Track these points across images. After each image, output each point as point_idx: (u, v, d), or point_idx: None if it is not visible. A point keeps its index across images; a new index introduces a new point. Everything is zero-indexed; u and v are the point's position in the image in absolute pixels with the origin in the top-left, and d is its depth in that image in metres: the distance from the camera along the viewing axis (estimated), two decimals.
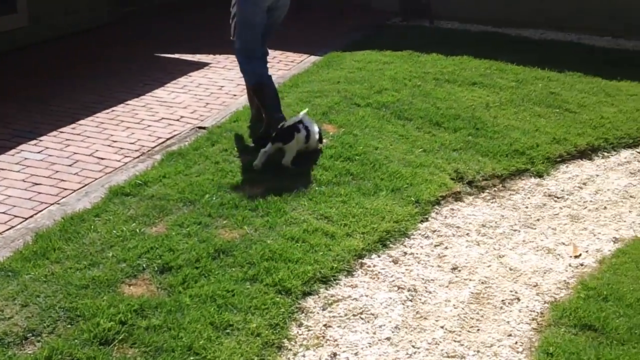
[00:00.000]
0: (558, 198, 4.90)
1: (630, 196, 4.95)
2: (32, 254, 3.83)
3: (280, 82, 6.88)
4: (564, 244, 4.33)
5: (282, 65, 7.63)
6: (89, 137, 5.59)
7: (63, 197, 4.61)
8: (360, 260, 3.98)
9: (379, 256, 4.05)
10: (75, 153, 5.28)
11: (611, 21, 8.92)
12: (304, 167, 4.85)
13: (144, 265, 3.75)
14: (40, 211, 4.43)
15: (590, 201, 4.87)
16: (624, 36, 8.78)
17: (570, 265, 4.08)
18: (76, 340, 3.19)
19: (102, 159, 5.20)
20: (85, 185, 4.78)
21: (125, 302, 3.44)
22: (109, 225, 4.13)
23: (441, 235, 4.34)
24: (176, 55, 7.87)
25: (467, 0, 9.54)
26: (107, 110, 6.13)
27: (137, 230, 4.06)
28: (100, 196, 4.53)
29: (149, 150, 5.35)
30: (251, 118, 5.63)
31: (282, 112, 5.31)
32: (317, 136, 4.99)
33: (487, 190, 4.93)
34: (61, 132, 5.66)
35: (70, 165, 5.08)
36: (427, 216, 4.50)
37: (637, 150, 5.66)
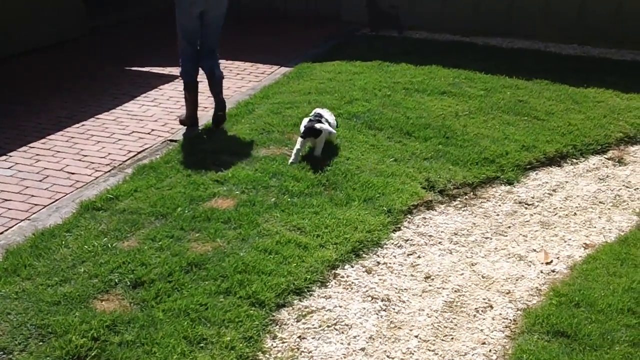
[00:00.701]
0: (528, 205, 4.97)
1: (600, 202, 5.03)
2: (3, 271, 3.77)
3: (251, 93, 6.89)
4: (535, 250, 4.39)
5: (252, 76, 7.63)
6: (59, 152, 5.52)
7: (33, 213, 4.55)
8: (333, 270, 3.99)
9: (352, 266, 4.06)
10: (45, 168, 5.22)
11: (578, 29, 9.10)
12: (279, 178, 4.85)
13: (116, 280, 3.71)
14: (11, 227, 4.37)
15: (560, 207, 4.94)
16: (591, 44, 8.95)
17: (541, 272, 4.13)
18: (48, 358, 3.14)
19: (73, 173, 5.14)
20: (56, 200, 4.72)
21: (98, 318, 3.40)
22: (80, 240, 4.08)
23: (414, 245, 4.36)
24: (146, 69, 7.82)
25: (434, 11, 9.65)
26: (77, 125, 6.07)
27: (109, 245, 4.02)
28: (71, 211, 4.48)
29: (120, 164, 5.31)
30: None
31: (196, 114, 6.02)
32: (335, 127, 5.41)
33: (459, 199, 4.97)
34: (31, 147, 5.59)
35: (40, 181, 5.01)
36: (399, 225, 4.53)
37: (605, 156, 5.76)
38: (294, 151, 5.09)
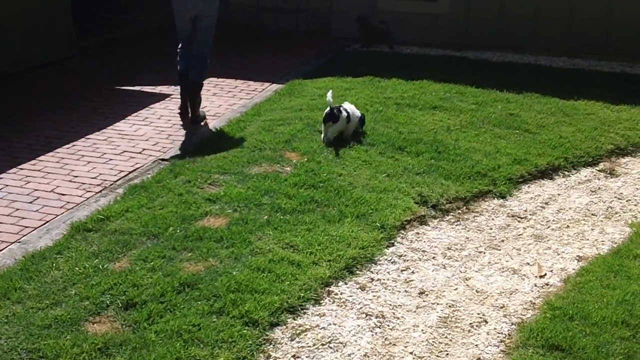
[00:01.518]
0: (521, 218, 4.96)
1: (592, 214, 5.04)
2: None
3: (243, 110, 6.89)
4: (528, 264, 4.38)
5: (243, 94, 7.64)
6: (49, 172, 5.49)
7: (24, 235, 4.52)
8: (327, 288, 3.96)
9: (346, 283, 4.03)
10: (35, 190, 5.19)
11: (567, 42, 9.17)
12: (272, 196, 4.84)
13: (108, 302, 3.67)
14: (1, 250, 4.33)
15: (553, 220, 4.94)
16: (580, 56, 9.02)
17: (535, 285, 4.12)
18: None
19: (63, 194, 5.11)
20: (47, 222, 4.69)
21: (89, 340, 3.36)
22: (71, 262, 4.05)
23: (407, 260, 4.35)
24: (137, 87, 7.82)
25: (424, 25, 9.72)
26: (67, 145, 6.04)
27: (100, 267, 3.99)
28: (62, 233, 4.45)
29: (111, 185, 5.28)
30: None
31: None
32: (357, 120, 5.96)
33: (452, 213, 4.97)
34: (21, 168, 5.55)
35: (30, 202, 4.98)
36: (392, 241, 4.51)
37: (597, 168, 5.78)
38: (322, 136, 5.84)
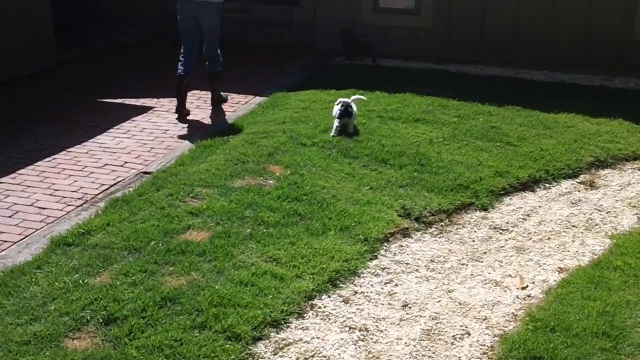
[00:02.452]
0: (503, 230, 4.99)
1: (573, 226, 5.08)
2: None
3: (227, 123, 6.88)
4: (510, 275, 4.40)
5: (227, 106, 7.63)
6: (29, 186, 5.44)
7: (3, 250, 4.46)
8: (310, 301, 3.95)
9: (329, 296, 4.02)
10: (15, 204, 5.13)
11: (548, 56, 9.28)
12: (255, 209, 4.83)
13: (88, 318, 3.63)
14: None
15: (535, 232, 4.97)
16: (561, 70, 9.13)
17: (517, 297, 4.14)
18: None
19: (44, 208, 5.06)
20: (26, 236, 4.64)
21: (69, 357, 3.33)
22: (51, 277, 4.00)
23: (391, 273, 4.35)
24: (119, 100, 7.79)
25: (407, 39, 9.79)
26: (48, 159, 5.99)
27: (81, 281, 3.94)
28: (42, 247, 4.40)
29: (92, 198, 5.24)
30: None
31: (184, 105, 7.22)
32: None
33: (434, 225, 4.98)
34: (0, 182, 5.49)
35: (10, 217, 4.93)
36: (376, 254, 4.51)
37: (577, 180, 5.83)
38: (334, 128, 6.29)
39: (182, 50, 7.13)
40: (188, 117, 7.18)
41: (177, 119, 7.11)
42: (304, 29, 10.23)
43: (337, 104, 6.38)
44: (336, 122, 6.32)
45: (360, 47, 9.60)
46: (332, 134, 6.28)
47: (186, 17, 7.09)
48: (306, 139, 6.16)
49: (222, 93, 7.68)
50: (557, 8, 9.20)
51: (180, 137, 6.65)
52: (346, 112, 6.29)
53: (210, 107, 7.58)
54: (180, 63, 7.09)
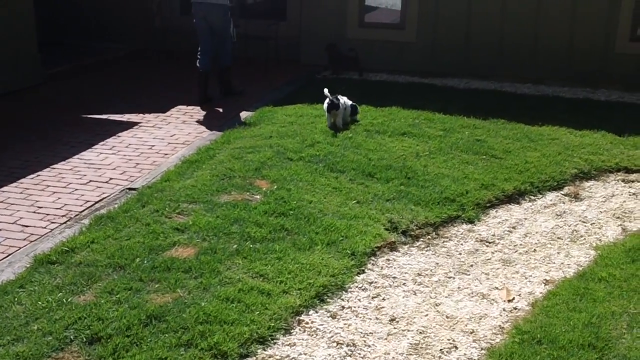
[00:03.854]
0: (489, 243, 5.00)
1: (558, 238, 5.10)
2: None
3: (212, 138, 6.87)
4: (497, 288, 4.41)
5: (214, 121, 7.63)
6: (12, 204, 5.38)
7: None
8: (297, 317, 3.93)
9: (316, 312, 4.00)
10: None
11: (531, 69, 9.36)
12: (241, 224, 4.81)
13: (72, 337, 3.59)
14: None
15: (520, 244, 4.99)
16: (544, 82, 9.21)
17: (504, 310, 4.14)
18: None
19: (27, 226, 5.01)
20: (9, 255, 4.58)
21: None
22: (34, 296, 3.95)
23: (378, 287, 4.34)
24: (104, 116, 7.75)
25: (393, 53, 9.85)
26: (32, 175, 5.94)
27: (64, 300, 3.89)
28: (25, 266, 4.35)
29: (76, 215, 5.20)
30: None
31: (205, 94, 8.35)
32: (349, 108, 7.08)
33: (421, 239, 4.99)
34: None
35: None
36: (363, 268, 4.50)
37: (562, 192, 5.86)
38: (328, 123, 6.88)
39: (199, 48, 8.22)
40: (171, 135, 7.19)
41: (200, 105, 8.18)
42: (291, 43, 10.27)
43: (326, 99, 6.93)
44: (327, 116, 6.88)
45: (346, 61, 9.65)
46: (328, 124, 6.90)
47: (198, 18, 8.08)
48: (293, 153, 6.16)
49: (236, 85, 8.66)
50: (540, 23, 9.31)
51: (167, 153, 6.62)
52: (332, 104, 6.75)
53: (203, 116, 7.91)
54: (198, 60, 8.19)
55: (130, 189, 5.66)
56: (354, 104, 7.16)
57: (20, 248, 4.68)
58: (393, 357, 3.65)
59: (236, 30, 8.47)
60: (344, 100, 6.98)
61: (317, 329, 3.86)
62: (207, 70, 8.22)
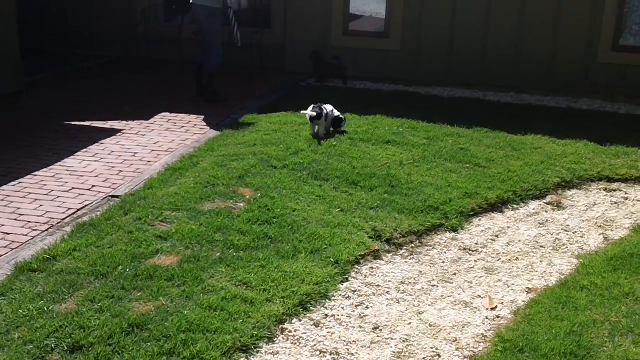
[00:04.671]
0: (473, 251, 5.02)
1: (541, 246, 5.13)
2: None
3: (196, 146, 6.85)
4: (480, 296, 4.42)
5: (197, 129, 7.60)
6: None
7: None
8: (281, 325, 3.92)
9: (300, 320, 4.00)
10: None
11: (514, 78, 9.45)
12: (225, 232, 4.79)
13: (53, 346, 3.55)
14: None
15: (503, 253, 5.02)
16: (527, 92, 9.29)
17: (487, 318, 4.16)
18: None
19: (8, 234, 4.95)
20: None
21: None
22: (15, 304, 3.91)
23: (362, 295, 4.34)
24: (87, 123, 7.70)
25: (377, 61, 9.89)
26: (13, 183, 5.88)
27: (45, 308, 3.85)
28: (6, 274, 4.30)
29: (58, 223, 5.15)
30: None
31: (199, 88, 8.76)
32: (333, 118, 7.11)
33: (405, 247, 5.00)
34: None
35: None
36: (347, 276, 4.50)
37: (544, 201, 5.91)
38: (311, 131, 6.97)
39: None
40: (154, 142, 7.17)
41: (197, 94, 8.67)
42: (275, 51, 10.28)
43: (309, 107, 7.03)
44: (310, 125, 6.98)
45: (330, 69, 9.68)
46: (311, 133, 7.00)
47: (194, 20, 8.77)
48: (277, 161, 6.16)
49: (220, 93, 8.66)
50: (523, 32, 9.40)
51: (149, 160, 6.59)
52: (316, 115, 6.86)
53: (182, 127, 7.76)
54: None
55: (112, 196, 5.62)
56: (339, 116, 7.12)
57: (1, 256, 4.62)
58: None
59: (240, 35, 8.52)
60: (329, 109, 7.01)
61: (301, 337, 3.85)
62: (201, 67, 8.57)
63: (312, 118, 6.88)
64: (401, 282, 4.54)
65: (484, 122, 7.68)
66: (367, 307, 4.22)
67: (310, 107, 6.93)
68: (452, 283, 4.58)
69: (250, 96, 8.98)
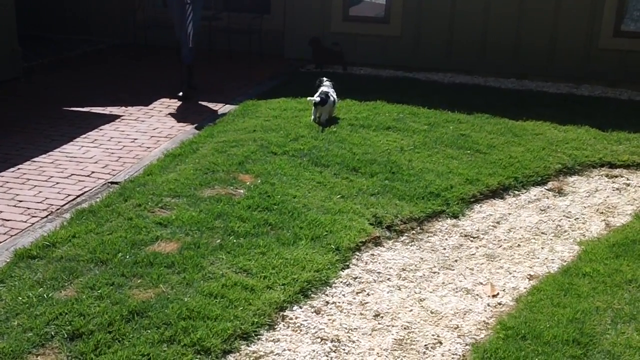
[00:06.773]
0: (474, 238, 5.00)
1: (542, 233, 5.11)
2: None
3: (196, 132, 6.81)
4: (481, 283, 4.41)
5: (196, 115, 7.55)
6: None
7: None
8: (281, 312, 3.90)
9: (300, 307, 3.98)
10: None
11: (515, 64, 9.39)
12: (225, 219, 4.76)
13: (53, 333, 3.53)
14: None
15: (505, 239, 5.00)
16: (528, 77, 9.24)
17: (488, 305, 4.14)
18: None
19: (7, 220, 4.93)
20: None
21: None
22: (14, 291, 3.89)
23: (362, 282, 4.32)
24: (86, 109, 7.65)
25: (377, 47, 9.82)
26: (12, 169, 5.85)
27: (45, 296, 3.84)
28: (5, 260, 4.28)
29: (57, 209, 5.12)
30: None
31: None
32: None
33: (406, 234, 4.97)
34: None
35: None
36: (348, 263, 4.48)
37: (546, 187, 5.88)
38: (312, 116, 6.89)
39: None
40: (154, 128, 7.15)
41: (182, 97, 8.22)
42: (274, 37, 10.20)
43: (319, 88, 7.01)
44: (312, 111, 6.91)
45: (330, 55, 9.61)
46: (312, 118, 6.92)
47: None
48: (277, 147, 6.12)
49: (188, 90, 8.21)
50: (523, 18, 9.33)
51: (149, 147, 6.55)
52: (321, 100, 6.81)
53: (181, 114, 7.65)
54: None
55: (112, 182, 5.59)
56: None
57: (0, 242, 4.60)
58: (377, 353, 3.64)
59: (193, 33, 7.90)
60: (334, 97, 6.96)
61: (301, 324, 3.83)
62: (186, 61, 8.19)
63: (316, 104, 6.82)
64: (402, 268, 4.52)
65: (485, 108, 7.64)
66: (368, 294, 4.20)
67: (318, 92, 6.90)
68: (454, 270, 4.57)
69: (249, 82, 8.92)
